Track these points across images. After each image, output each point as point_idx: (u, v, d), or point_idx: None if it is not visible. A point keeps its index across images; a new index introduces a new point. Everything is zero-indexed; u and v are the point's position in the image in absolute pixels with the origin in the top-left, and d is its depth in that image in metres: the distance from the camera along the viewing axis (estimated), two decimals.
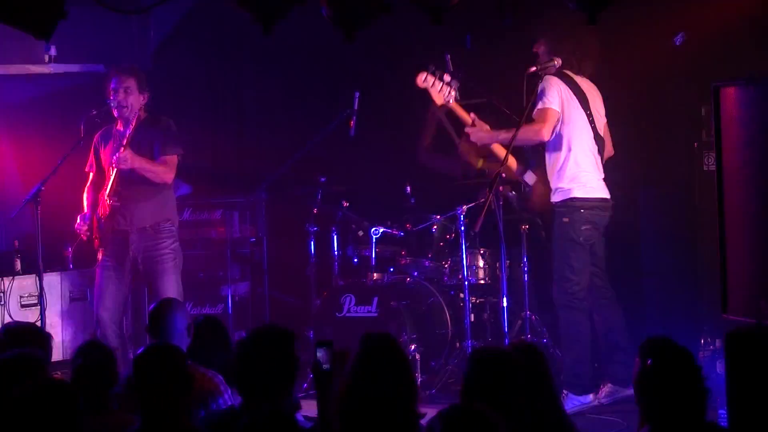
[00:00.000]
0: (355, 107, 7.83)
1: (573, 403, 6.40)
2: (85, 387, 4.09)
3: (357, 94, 7.86)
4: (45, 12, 5.30)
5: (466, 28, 5.95)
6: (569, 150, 6.50)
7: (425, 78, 6.68)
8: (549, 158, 6.57)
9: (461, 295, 7.17)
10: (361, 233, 7.74)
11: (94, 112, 7.06)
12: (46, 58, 7.90)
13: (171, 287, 6.82)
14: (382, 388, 3.53)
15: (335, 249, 7.65)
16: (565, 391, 6.46)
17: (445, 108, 6.82)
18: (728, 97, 4.84)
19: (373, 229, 7.49)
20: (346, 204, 7.69)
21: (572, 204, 6.48)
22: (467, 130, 6.69)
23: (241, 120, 8.94)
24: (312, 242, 7.77)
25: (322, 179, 7.74)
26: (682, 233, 7.57)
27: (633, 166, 7.56)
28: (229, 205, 8.22)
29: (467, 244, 7.15)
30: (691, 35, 7.47)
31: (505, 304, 6.33)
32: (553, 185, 6.56)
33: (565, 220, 6.48)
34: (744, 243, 4.76)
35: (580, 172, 6.50)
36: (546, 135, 6.45)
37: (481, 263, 7.42)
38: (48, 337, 5.02)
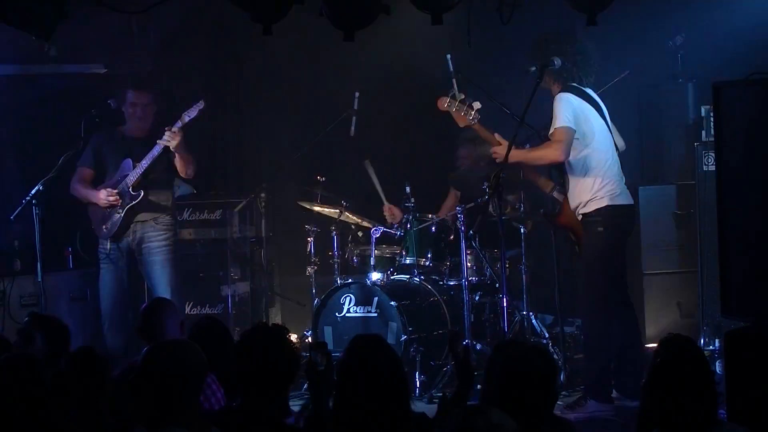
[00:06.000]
0: (355, 107, 7.83)
1: (593, 408, 6.36)
2: (73, 394, 4.04)
3: (357, 94, 7.86)
4: (45, 12, 5.31)
5: (466, 28, 5.94)
6: (598, 160, 6.42)
7: (447, 102, 6.63)
8: (577, 172, 6.46)
9: (461, 295, 7.16)
10: (360, 233, 7.74)
11: (94, 112, 7.14)
12: (47, 58, 7.90)
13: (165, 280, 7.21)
14: (373, 389, 3.54)
15: (335, 249, 7.66)
16: (587, 398, 6.41)
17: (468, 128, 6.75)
18: (728, 97, 4.83)
19: (373, 229, 7.50)
20: (346, 204, 7.69)
21: (606, 213, 6.39)
22: (494, 149, 6.62)
23: (241, 120, 8.94)
24: (312, 242, 7.77)
25: (322, 179, 7.73)
26: (681, 233, 7.57)
27: (633, 166, 7.56)
28: (229, 205, 8.22)
29: (467, 244, 7.14)
30: (691, 35, 7.48)
31: (505, 304, 6.32)
32: (583, 197, 6.45)
33: (600, 229, 6.39)
34: (744, 243, 4.75)
35: (611, 181, 6.42)
36: (562, 155, 6.37)
37: (480, 263, 7.42)
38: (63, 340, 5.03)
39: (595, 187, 6.41)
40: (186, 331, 5.21)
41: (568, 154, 6.39)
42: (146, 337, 5.19)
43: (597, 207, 6.41)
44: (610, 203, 6.40)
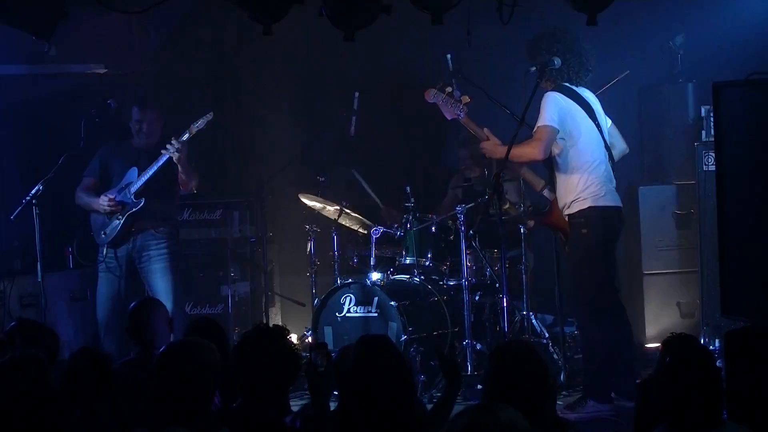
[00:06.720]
0: (355, 107, 7.83)
1: (593, 408, 6.35)
2: (77, 394, 4.04)
3: (357, 94, 7.86)
4: (45, 12, 5.31)
5: (466, 28, 5.94)
6: (583, 162, 6.39)
7: (434, 94, 6.61)
8: (562, 172, 6.44)
9: (461, 295, 7.16)
10: (360, 234, 7.74)
11: (94, 112, 7.14)
12: (47, 58, 7.90)
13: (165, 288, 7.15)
14: (380, 390, 3.54)
15: (335, 249, 7.65)
16: (587, 398, 6.40)
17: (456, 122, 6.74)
18: (728, 97, 4.82)
19: (373, 229, 7.49)
20: (345, 204, 7.69)
21: (589, 214, 6.36)
22: (482, 144, 6.61)
23: (241, 120, 8.94)
24: (312, 242, 7.77)
25: (322, 179, 7.73)
26: (681, 233, 7.57)
27: (633, 166, 7.56)
28: (229, 205, 8.22)
29: (467, 244, 7.14)
30: (691, 35, 7.49)
31: (505, 304, 6.31)
32: (568, 198, 6.44)
33: (584, 231, 6.37)
34: (744, 243, 4.75)
35: (595, 183, 6.38)
36: (540, 154, 6.34)
37: (480, 263, 7.42)
38: (56, 337, 5.02)
39: (578, 188, 6.39)
40: (175, 330, 5.20)
41: (547, 153, 6.37)
42: (134, 337, 5.21)
43: (580, 208, 6.39)
44: (593, 204, 6.37)
